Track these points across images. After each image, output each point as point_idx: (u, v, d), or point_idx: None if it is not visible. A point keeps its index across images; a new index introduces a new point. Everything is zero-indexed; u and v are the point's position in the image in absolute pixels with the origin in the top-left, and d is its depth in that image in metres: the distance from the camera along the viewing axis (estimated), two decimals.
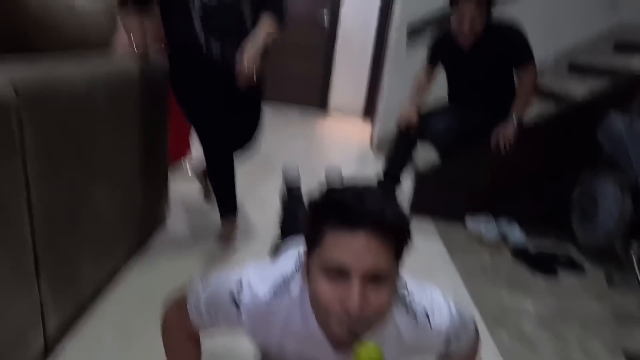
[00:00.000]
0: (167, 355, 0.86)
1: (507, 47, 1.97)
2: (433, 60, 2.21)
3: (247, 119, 1.74)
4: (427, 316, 0.72)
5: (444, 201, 2.23)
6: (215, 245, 1.69)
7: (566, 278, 1.80)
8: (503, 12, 2.22)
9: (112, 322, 1.23)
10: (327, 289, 0.62)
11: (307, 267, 0.66)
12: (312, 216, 0.65)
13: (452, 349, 0.76)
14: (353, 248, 0.60)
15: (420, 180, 2.25)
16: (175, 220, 1.87)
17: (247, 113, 1.73)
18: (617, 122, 1.81)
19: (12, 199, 0.86)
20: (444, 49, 2.15)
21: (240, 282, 0.73)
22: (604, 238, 1.85)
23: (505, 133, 1.98)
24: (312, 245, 0.64)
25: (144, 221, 1.61)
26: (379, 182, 2.23)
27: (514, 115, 1.99)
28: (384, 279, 0.62)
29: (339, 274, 0.60)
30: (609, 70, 2.32)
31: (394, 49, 3.19)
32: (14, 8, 0.95)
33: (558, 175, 2.13)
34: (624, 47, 2.79)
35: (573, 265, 1.87)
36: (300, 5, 4.28)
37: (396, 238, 0.62)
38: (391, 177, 2.23)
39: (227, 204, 1.72)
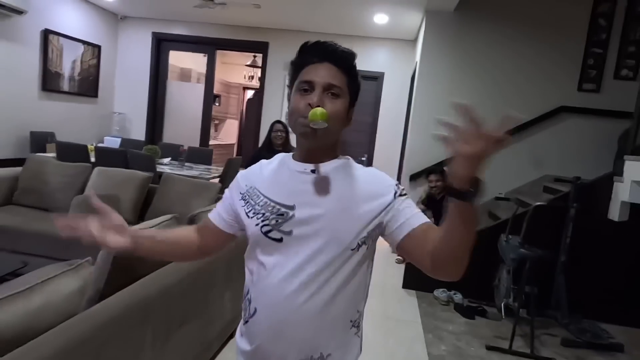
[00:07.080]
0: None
1: None
2: (425, 202, 4.25)
3: None
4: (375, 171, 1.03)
5: (422, 280, 3.93)
6: None
7: (479, 319, 3.42)
8: None
9: None
10: (299, 98, 0.93)
11: (289, 99, 0.98)
12: (298, 60, 0.98)
13: (398, 203, 0.96)
14: (319, 70, 0.93)
15: (409, 265, 4.00)
16: None
17: None
18: (502, 238, 3.54)
19: None
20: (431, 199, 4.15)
21: None
22: (500, 299, 3.46)
23: None
24: (293, 80, 0.98)
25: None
26: None
27: None
28: (338, 95, 0.93)
29: (308, 88, 0.93)
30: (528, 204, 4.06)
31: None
32: None
33: (490, 265, 3.80)
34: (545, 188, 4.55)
35: (485, 313, 3.50)
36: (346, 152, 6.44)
37: (346, 68, 0.96)
38: None
39: None
